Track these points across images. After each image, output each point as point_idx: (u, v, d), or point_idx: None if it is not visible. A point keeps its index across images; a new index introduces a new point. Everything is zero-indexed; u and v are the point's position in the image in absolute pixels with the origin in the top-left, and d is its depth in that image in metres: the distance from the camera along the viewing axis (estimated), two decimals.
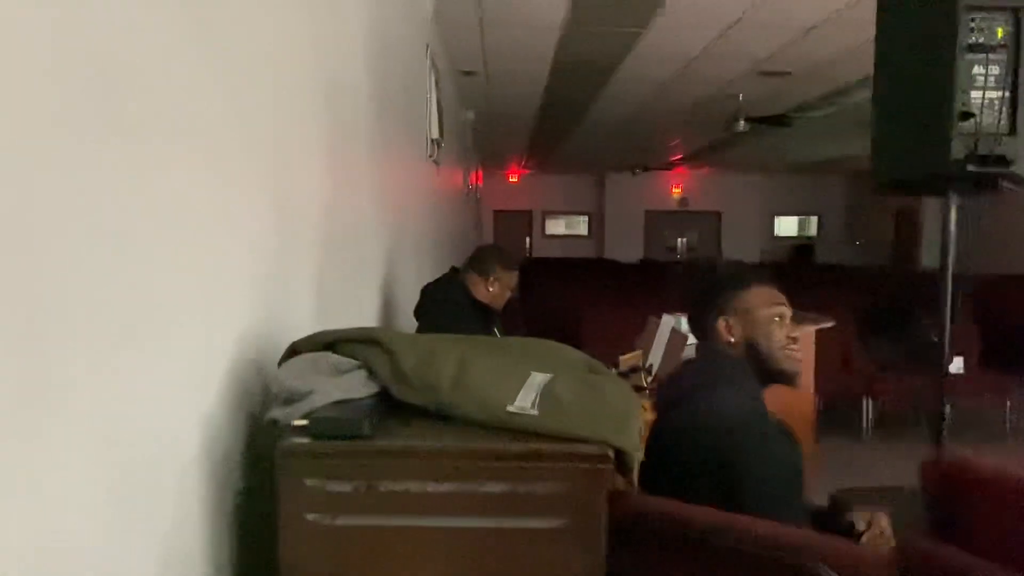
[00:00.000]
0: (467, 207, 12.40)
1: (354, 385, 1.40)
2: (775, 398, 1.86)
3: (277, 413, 1.35)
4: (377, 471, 1.26)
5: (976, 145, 2.24)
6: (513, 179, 19.77)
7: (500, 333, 3.25)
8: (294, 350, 1.48)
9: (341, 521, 1.25)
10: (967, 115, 2.25)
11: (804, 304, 4.27)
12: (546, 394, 1.35)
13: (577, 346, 1.67)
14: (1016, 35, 2.28)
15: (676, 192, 19.57)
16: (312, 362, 1.43)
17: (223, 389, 1.40)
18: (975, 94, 2.27)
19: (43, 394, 0.87)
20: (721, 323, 1.85)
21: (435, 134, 5.46)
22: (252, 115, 1.57)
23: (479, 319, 3.11)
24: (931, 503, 1.83)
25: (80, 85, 0.93)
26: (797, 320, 1.91)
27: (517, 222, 19.84)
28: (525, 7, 5.96)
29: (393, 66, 3.69)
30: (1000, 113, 2.27)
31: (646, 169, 17.93)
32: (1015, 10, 2.28)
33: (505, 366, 1.43)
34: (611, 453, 1.29)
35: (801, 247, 18.89)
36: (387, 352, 1.42)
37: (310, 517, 1.24)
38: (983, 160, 2.25)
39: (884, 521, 1.70)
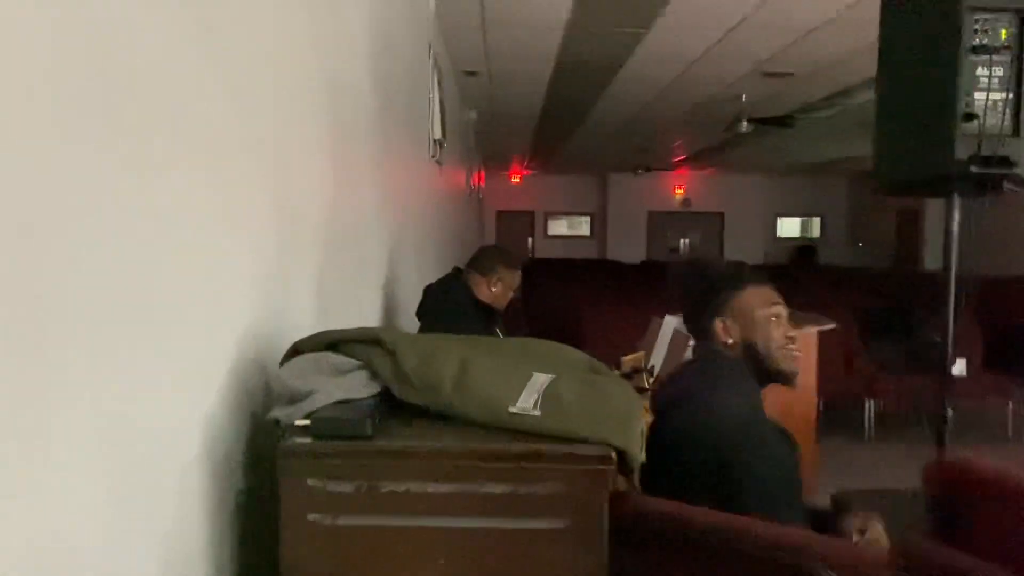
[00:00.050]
0: (469, 207, 12.41)
1: (356, 385, 1.40)
2: (776, 398, 1.86)
3: (279, 413, 1.35)
4: (378, 471, 1.26)
5: (979, 146, 2.24)
6: (515, 179, 19.77)
7: (502, 333, 3.24)
8: (296, 350, 1.48)
9: (342, 521, 1.25)
10: (970, 116, 2.25)
11: (806, 305, 4.28)
12: (548, 395, 1.34)
13: (579, 347, 1.67)
14: (1020, 36, 2.27)
15: (679, 193, 19.56)
16: (314, 362, 1.43)
17: (224, 389, 1.40)
18: (979, 95, 2.27)
19: (44, 394, 0.87)
20: (718, 324, 1.85)
21: (437, 134, 5.46)
22: (253, 115, 1.57)
23: (481, 319, 3.11)
24: (933, 504, 1.83)
25: (80, 85, 0.93)
26: (796, 320, 1.91)
27: (519, 222, 19.85)
28: (527, 7, 5.96)
29: (395, 66, 3.69)
30: (1004, 114, 2.26)
31: (648, 170, 17.92)
32: (1019, 11, 2.27)
33: (507, 367, 1.43)
34: (613, 454, 1.29)
35: (803, 248, 18.87)
36: (389, 352, 1.42)
37: (311, 517, 1.24)
38: (986, 161, 2.25)
39: (878, 526, 1.69)
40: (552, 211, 20.23)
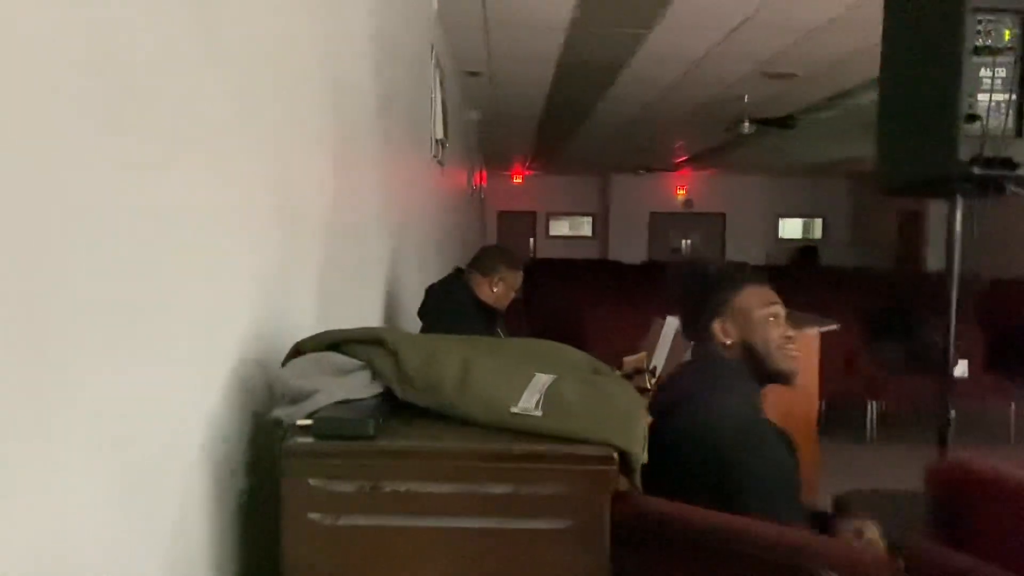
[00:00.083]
0: (471, 208, 12.41)
1: (358, 385, 1.40)
2: (777, 399, 1.86)
3: (281, 413, 1.35)
4: (380, 471, 1.26)
5: (982, 148, 2.23)
6: (517, 180, 19.77)
7: (504, 334, 3.24)
8: (298, 350, 1.48)
9: (344, 521, 1.25)
10: (973, 117, 2.25)
11: (808, 306, 4.27)
12: (550, 395, 1.34)
13: (580, 347, 1.66)
14: (1023, 37, 2.27)
15: (680, 193, 19.55)
16: (316, 362, 1.43)
17: (226, 389, 1.40)
18: (982, 97, 2.26)
19: (45, 394, 0.87)
20: (717, 325, 1.84)
21: (439, 134, 5.46)
22: (254, 115, 1.57)
23: (483, 319, 3.11)
24: (934, 505, 1.83)
25: (80, 85, 0.93)
26: (798, 321, 1.91)
27: (521, 223, 19.85)
28: (530, 8, 5.96)
29: (397, 66, 3.69)
30: (1007, 116, 2.26)
31: (650, 170, 17.92)
32: (1022, 12, 2.27)
33: (509, 367, 1.43)
34: (615, 455, 1.29)
35: (805, 249, 18.85)
36: (391, 353, 1.42)
37: (313, 517, 1.24)
38: (989, 163, 2.24)
39: (874, 531, 1.69)
40: (554, 211, 20.23)
